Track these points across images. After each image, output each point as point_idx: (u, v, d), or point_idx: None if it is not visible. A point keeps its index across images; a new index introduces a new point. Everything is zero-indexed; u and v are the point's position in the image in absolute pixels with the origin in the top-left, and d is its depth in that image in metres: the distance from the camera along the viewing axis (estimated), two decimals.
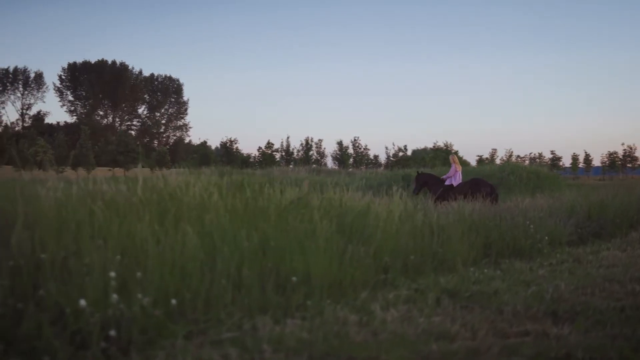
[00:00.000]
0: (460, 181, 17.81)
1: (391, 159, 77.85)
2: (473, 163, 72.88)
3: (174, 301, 4.50)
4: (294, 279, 5.35)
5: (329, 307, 5.12)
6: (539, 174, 42.75)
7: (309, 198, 7.16)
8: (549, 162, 73.13)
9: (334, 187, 8.43)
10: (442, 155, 68.72)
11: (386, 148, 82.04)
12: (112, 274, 4.46)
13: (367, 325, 4.69)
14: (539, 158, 78.13)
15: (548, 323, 4.89)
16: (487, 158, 76.88)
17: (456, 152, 73.00)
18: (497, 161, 72.39)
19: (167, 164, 76.02)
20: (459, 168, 17.87)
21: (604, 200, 11.39)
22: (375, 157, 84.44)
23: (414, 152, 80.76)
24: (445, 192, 17.39)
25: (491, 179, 43.58)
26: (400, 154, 76.96)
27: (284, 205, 6.71)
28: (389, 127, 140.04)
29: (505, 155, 78.60)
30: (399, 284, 6.11)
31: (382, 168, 77.44)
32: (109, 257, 4.73)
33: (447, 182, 17.82)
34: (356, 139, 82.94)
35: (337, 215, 6.82)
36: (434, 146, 73.61)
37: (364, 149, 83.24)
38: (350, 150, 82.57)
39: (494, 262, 7.58)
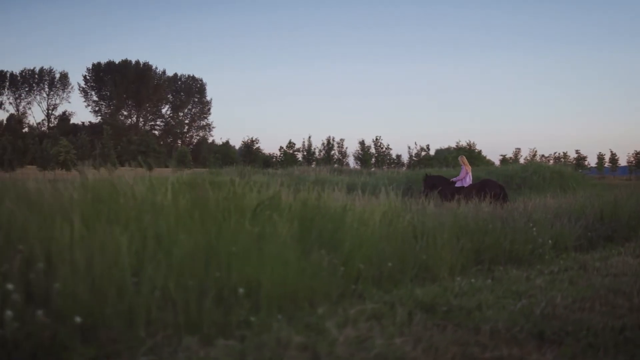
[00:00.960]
0: (471, 182, 17.19)
1: (413, 158, 76.64)
2: (497, 162, 71.80)
3: (78, 319, 3.84)
4: (241, 290, 4.68)
5: (278, 324, 4.42)
6: (563, 174, 41.52)
7: (281, 198, 6.46)
8: (574, 162, 71.18)
9: (330, 187, 7.77)
10: (465, 154, 67.23)
11: (409, 148, 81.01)
12: (10, 286, 3.85)
13: (311, 349, 3.98)
14: (564, 157, 76.14)
15: (530, 346, 4.14)
16: (510, 157, 75.17)
17: (479, 150, 71.73)
18: (521, 161, 70.80)
19: (188, 163, 75.91)
20: (469, 169, 17.33)
21: (618, 200, 10.49)
22: (398, 156, 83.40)
23: (437, 151, 79.48)
24: (455, 195, 16.80)
25: (514, 179, 42.81)
26: (423, 153, 75.71)
27: (247, 206, 6.03)
28: (412, 126, 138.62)
29: (529, 154, 76.90)
30: (369, 296, 5.38)
31: (404, 168, 76.42)
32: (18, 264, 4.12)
33: (457, 184, 17.15)
34: (378, 138, 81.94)
35: (307, 218, 6.12)
36: (456, 145, 72.22)
37: (386, 148, 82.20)
38: (372, 150, 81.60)
39: (487, 270, 6.79)
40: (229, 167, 63.07)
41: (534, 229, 7.99)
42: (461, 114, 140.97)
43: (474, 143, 70.79)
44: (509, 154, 77.54)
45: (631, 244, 9.15)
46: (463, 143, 71.58)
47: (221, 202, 5.76)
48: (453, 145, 74.19)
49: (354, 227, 6.17)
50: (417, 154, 76.34)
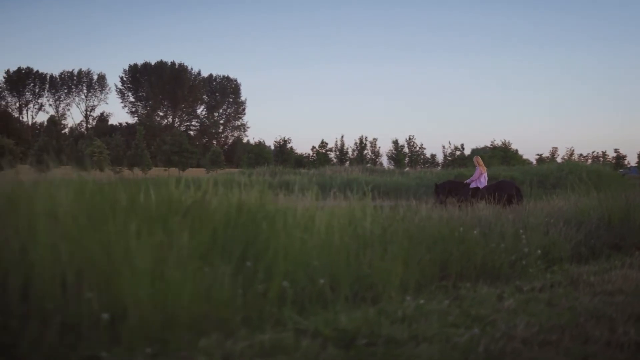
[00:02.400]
0: (486, 184, 16.27)
1: (448, 158, 74.82)
2: (534, 162, 69.48)
3: None
4: (105, 316, 3.77)
5: None
6: (600, 173, 39.63)
7: (208, 200, 5.52)
8: (613, 161, 68.30)
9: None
10: (500, 154, 65.35)
11: (443, 147, 79.14)
12: None
13: None
14: (603, 157, 73.13)
15: None
16: (547, 157, 72.67)
17: (515, 150, 69.49)
18: (559, 160, 68.25)
19: (221, 163, 75.81)
20: (484, 170, 16.44)
21: (630, 201, 9.08)
22: (432, 156, 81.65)
23: (473, 151, 77.58)
24: (471, 196, 15.80)
25: (548, 179, 41.19)
26: (457, 153, 73.80)
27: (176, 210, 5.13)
28: (447, 126, 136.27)
29: (567, 154, 74.14)
30: (287, 321, 4.40)
31: (439, 167, 74.78)
32: None
33: (472, 185, 16.18)
34: (411, 137, 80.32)
35: (230, 225, 5.17)
36: (492, 145, 70.07)
37: (420, 148, 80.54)
38: (406, 150, 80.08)
39: (452, 287, 5.69)
40: (260, 167, 62.72)
41: (524, 236, 6.85)
42: (498, 112, 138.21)
43: (509, 142, 68.48)
44: (546, 153, 75.11)
45: (639, 252, 7.82)
46: (498, 142, 69.43)
47: (131, 205, 4.87)
48: (488, 144, 72.13)
49: (291, 236, 5.19)
50: (452, 154, 74.48)
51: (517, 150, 69.13)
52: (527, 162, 64.59)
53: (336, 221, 5.78)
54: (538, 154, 74.13)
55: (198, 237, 4.71)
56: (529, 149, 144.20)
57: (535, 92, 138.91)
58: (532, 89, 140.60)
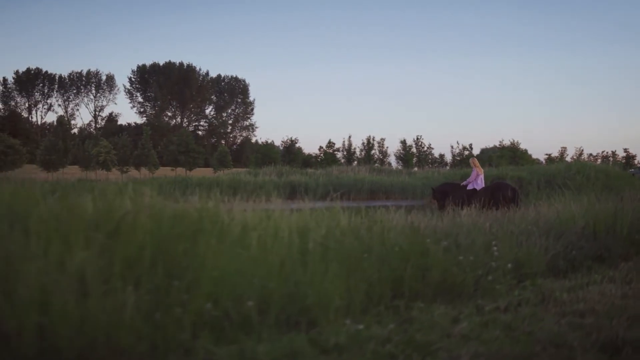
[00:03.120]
0: (483, 185, 15.71)
1: (456, 158, 74.01)
2: (543, 162, 68.56)
3: None
4: None
5: None
6: (609, 173, 38.91)
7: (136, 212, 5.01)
8: (623, 161, 67.14)
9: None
10: (508, 154, 64.50)
11: (451, 147, 78.34)
12: None
13: None
14: (612, 156, 71.97)
15: None
16: (556, 156, 71.58)
17: (524, 149, 68.55)
18: (568, 160, 67.26)
19: (228, 163, 75.49)
20: (481, 171, 15.96)
21: (618, 208, 8.35)
22: (441, 156, 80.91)
23: (483, 150, 76.80)
24: (468, 198, 15.30)
25: (556, 178, 40.36)
26: (466, 152, 72.95)
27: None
28: (456, 125, 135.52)
29: (576, 153, 73.00)
30: (186, 353, 3.88)
31: (448, 167, 74.03)
32: None
33: (469, 187, 15.67)
34: (419, 137, 79.58)
35: (156, 238, 4.66)
36: (500, 144, 69.21)
37: (427, 148, 79.79)
38: (414, 150, 79.37)
39: (404, 308, 5.11)
40: (267, 167, 62.32)
41: (495, 247, 6.28)
42: (507, 112, 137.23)
43: (517, 142, 67.54)
44: (555, 153, 74.06)
45: (625, 265, 7.14)
46: (506, 142, 68.54)
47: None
48: (497, 144, 71.31)
49: (222, 252, 4.67)
50: (460, 153, 73.68)
51: (526, 150, 68.31)
52: (536, 162, 63.81)
53: (286, 232, 5.26)
54: (547, 154, 73.19)
55: (117, 254, 4.22)
56: (539, 148, 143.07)
57: (545, 91, 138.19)
58: (541, 88, 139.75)
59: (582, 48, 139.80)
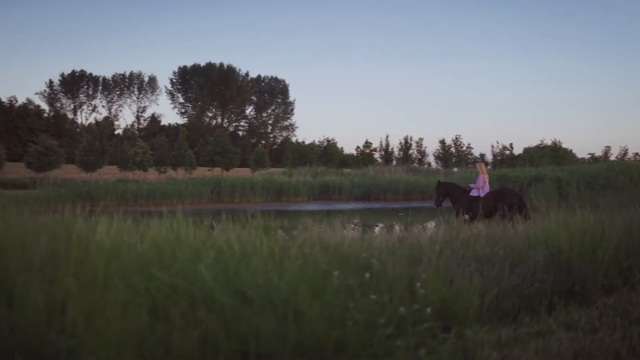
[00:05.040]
0: (488, 191, 14.40)
1: (497, 157, 71.45)
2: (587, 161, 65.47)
3: None
4: None
5: None
6: None
7: None
8: None
9: None
10: (550, 153, 61.84)
11: (492, 146, 75.75)
12: None
13: None
14: None
15: None
16: (600, 156, 68.13)
17: (567, 149, 65.69)
18: (612, 159, 63.79)
19: (265, 164, 74.95)
20: (487, 178, 14.66)
21: (605, 227, 6.51)
22: (482, 155, 78.45)
23: (525, 150, 74.13)
24: (470, 205, 14.06)
25: (597, 179, 38.06)
26: (507, 152, 70.31)
27: None
28: (499, 124, 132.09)
29: (620, 153, 69.20)
30: None
31: (489, 167, 71.71)
32: None
33: (472, 193, 14.41)
34: (458, 137, 77.33)
35: None
36: (541, 143, 66.45)
37: (467, 147, 77.52)
38: (453, 149, 77.20)
39: None
40: (302, 167, 61.52)
41: (418, 283, 4.93)
42: (551, 111, 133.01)
43: (559, 141, 64.68)
44: (598, 152, 70.52)
45: (606, 302, 5.64)
46: (548, 141, 65.77)
47: None
48: (537, 143, 68.63)
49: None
50: (500, 153, 71.17)
51: (570, 150, 65.38)
52: (580, 162, 60.97)
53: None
54: (590, 153, 69.71)
55: None
56: (585, 147, 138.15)
57: (590, 88, 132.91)
58: (587, 85, 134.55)
59: (630, 45, 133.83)
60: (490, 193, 14.55)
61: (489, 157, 75.23)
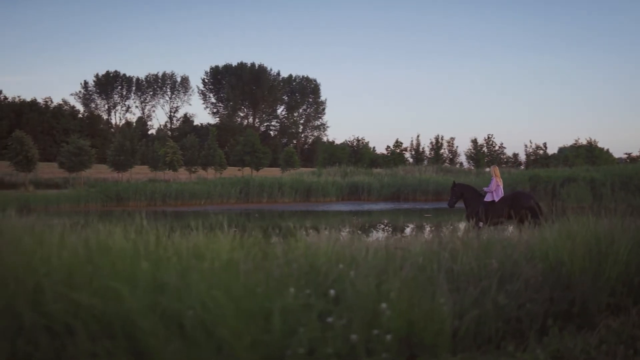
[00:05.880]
0: (502, 195, 13.72)
1: (530, 157, 69.63)
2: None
3: None
4: None
5: None
6: None
7: None
8: None
9: None
10: (584, 153, 59.92)
11: (525, 146, 73.90)
12: None
13: None
14: None
15: None
16: (637, 156, 65.66)
17: (603, 148, 63.62)
18: None
19: (294, 163, 74.56)
20: (500, 182, 14.03)
21: (615, 236, 5.65)
22: (515, 155, 76.70)
23: (560, 149, 72.15)
24: (483, 209, 13.44)
25: (632, 180, 36.48)
26: (540, 152, 68.41)
27: None
28: (534, 124, 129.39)
29: None
30: None
31: (522, 167, 70.00)
32: None
33: (486, 198, 13.77)
34: (490, 136, 75.70)
35: None
36: (575, 143, 64.47)
37: (499, 147, 75.85)
38: (485, 149, 75.60)
39: None
40: (331, 167, 60.95)
41: (384, 304, 4.27)
42: (587, 109, 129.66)
43: (595, 140, 62.61)
44: (635, 152, 68.01)
45: (610, 326, 4.82)
46: (583, 141, 63.75)
47: None
48: (571, 143, 66.60)
49: None
50: (534, 153, 69.35)
51: (607, 149, 63.23)
52: (616, 162, 58.85)
53: None
54: (626, 153, 67.28)
55: None
56: (621, 147, 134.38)
57: (628, 86, 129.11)
58: (624, 83, 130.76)
59: None
60: (505, 198, 13.94)
61: (522, 157, 73.54)
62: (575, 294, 5.12)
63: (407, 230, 20.52)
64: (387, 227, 23.52)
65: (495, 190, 14.16)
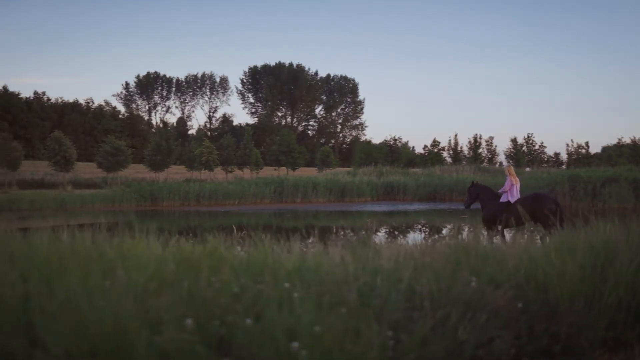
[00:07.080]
0: (518, 196, 13.51)
1: (572, 156, 67.27)
2: None
3: None
4: None
5: None
6: None
7: None
8: None
9: None
10: (628, 152, 57.40)
11: (567, 145, 71.52)
12: None
13: None
14: None
15: None
16: None
17: None
18: None
19: (331, 163, 73.90)
20: (516, 181, 13.70)
21: (618, 252, 4.53)
22: (556, 154, 74.31)
23: (604, 149, 69.56)
24: (499, 211, 13.18)
25: None
26: (582, 151, 66.00)
27: None
28: (575, 123, 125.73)
29: None
30: None
31: (564, 167, 67.75)
32: None
33: (502, 199, 13.00)
34: (530, 135, 73.55)
35: None
36: (618, 142, 61.91)
37: (540, 146, 73.60)
38: (525, 149, 73.47)
39: None
40: (367, 167, 60.09)
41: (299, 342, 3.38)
42: (632, 107, 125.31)
43: (639, 139, 59.94)
44: None
45: None
46: (626, 139, 61.19)
47: None
48: (615, 142, 64.04)
49: None
50: (575, 152, 66.98)
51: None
52: None
53: None
54: None
55: None
56: None
57: None
58: None
59: None
60: (525, 199, 13.14)
61: (564, 156, 71.24)
62: (560, 327, 4.26)
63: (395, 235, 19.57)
64: (383, 230, 22.63)
65: (510, 190, 13.55)
